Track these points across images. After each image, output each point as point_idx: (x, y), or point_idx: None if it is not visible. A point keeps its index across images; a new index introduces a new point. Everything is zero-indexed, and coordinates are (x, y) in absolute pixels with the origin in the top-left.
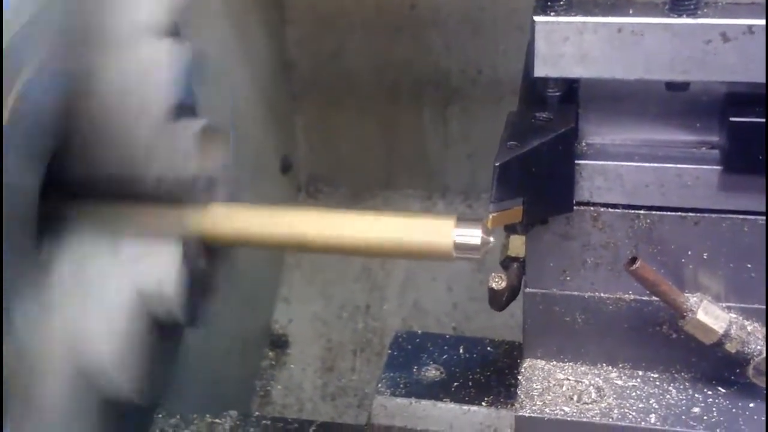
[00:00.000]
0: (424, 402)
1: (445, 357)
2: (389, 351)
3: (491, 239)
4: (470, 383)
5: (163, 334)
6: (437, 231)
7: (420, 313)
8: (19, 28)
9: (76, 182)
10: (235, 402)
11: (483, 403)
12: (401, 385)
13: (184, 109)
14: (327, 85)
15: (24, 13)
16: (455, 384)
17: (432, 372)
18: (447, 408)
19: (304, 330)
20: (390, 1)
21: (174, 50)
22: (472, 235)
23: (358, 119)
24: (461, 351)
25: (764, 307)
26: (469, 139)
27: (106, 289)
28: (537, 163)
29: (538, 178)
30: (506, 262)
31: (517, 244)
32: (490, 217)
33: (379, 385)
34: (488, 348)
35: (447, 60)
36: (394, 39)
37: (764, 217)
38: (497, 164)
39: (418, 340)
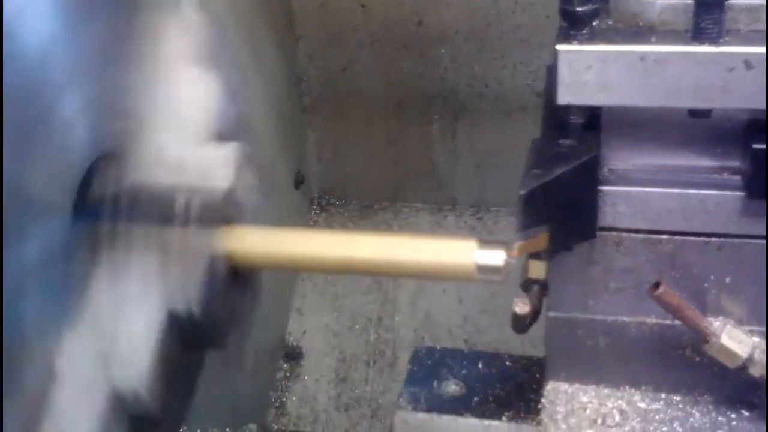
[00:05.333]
0: (445, 417)
1: (464, 372)
2: (409, 366)
3: (514, 261)
4: (490, 398)
5: (189, 353)
6: (460, 252)
7: (431, 325)
8: (52, 48)
9: (107, 202)
10: (251, 414)
11: (504, 418)
12: (422, 400)
13: (217, 132)
14: (337, 100)
15: (57, 33)
16: (475, 399)
17: (452, 387)
18: (468, 423)
19: (318, 341)
20: (398, 17)
21: (209, 76)
22: (495, 257)
23: (368, 133)
24: (480, 366)
25: None
26: (477, 151)
27: (136, 308)
28: (561, 191)
29: (562, 205)
30: (527, 284)
31: (538, 266)
32: (516, 245)
33: (400, 400)
34: (507, 363)
35: (454, 74)
36: (402, 54)
37: None
38: (522, 193)
39: (437, 355)
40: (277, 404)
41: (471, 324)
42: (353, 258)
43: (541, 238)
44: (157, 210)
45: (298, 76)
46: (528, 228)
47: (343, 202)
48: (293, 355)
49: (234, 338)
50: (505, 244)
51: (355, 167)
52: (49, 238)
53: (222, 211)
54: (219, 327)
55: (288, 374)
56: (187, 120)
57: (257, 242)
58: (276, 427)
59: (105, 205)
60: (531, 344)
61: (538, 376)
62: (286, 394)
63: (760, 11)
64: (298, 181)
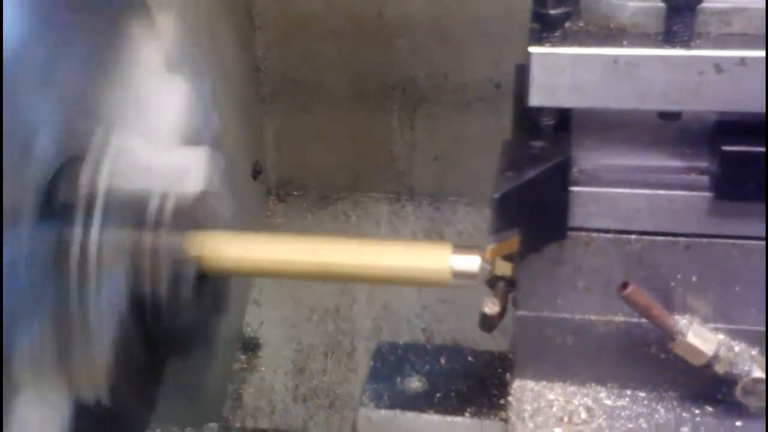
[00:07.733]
0: (408, 413)
1: (427, 368)
2: (372, 362)
3: (488, 266)
4: (453, 394)
5: (153, 359)
6: (434, 258)
7: (389, 315)
8: (19, 52)
9: (76, 206)
10: (208, 406)
11: (467, 414)
12: (385, 397)
13: (188, 136)
14: (296, 90)
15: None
16: (438, 395)
17: (415, 383)
18: (431, 419)
19: (275, 333)
20: (359, 8)
21: (180, 82)
22: (471, 263)
23: (327, 123)
24: (443, 362)
25: (751, 328)
26: (435, 142)
27: (101, 313)
28: (534, 193)
29: (535, 207)
30: (493, 281)
31: (503, 263)
32: (489, 248)
33: (363, 397)
34: (469, 358)
35: (414, 66)
36: (363, 45)
37: (753, 242)
38: (496, 196)
39: (399, 351)
40: (234, 396)
41: (429, 313)
42: (326, 264)
43: (513, 241)
44: (128, 214)
45: (256, 66)
46: (500, 231)
47: (302, 192)
48: (250, 347)
49: (199, 347)
50: (479, 249)
51: (313, 158)
52: (16, 243)
53: (193, 216)
54: (184, 333)
55: (245, 366)
56: (157, 124)
57: (227, 247)
58: (238, 425)
59: (74, 209)
60: (490, 335)
61: (500, 371)
62: (243, 385)
63: (730, 14)
64: (256, 172)
